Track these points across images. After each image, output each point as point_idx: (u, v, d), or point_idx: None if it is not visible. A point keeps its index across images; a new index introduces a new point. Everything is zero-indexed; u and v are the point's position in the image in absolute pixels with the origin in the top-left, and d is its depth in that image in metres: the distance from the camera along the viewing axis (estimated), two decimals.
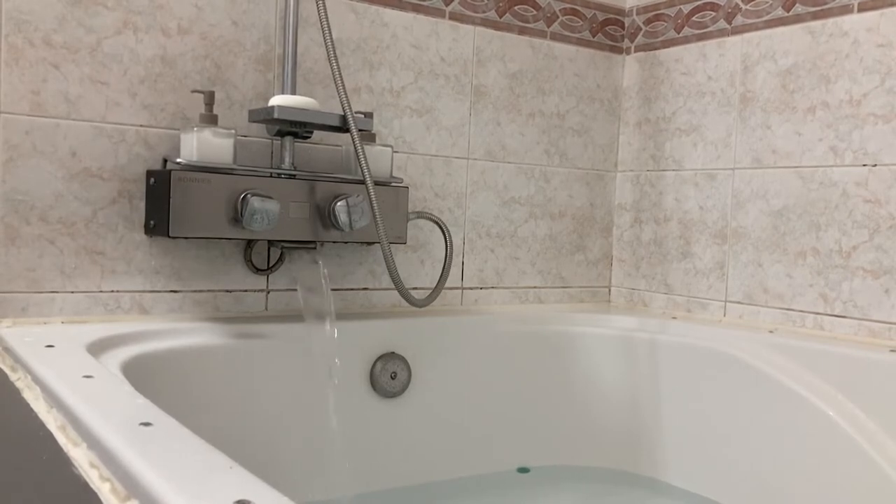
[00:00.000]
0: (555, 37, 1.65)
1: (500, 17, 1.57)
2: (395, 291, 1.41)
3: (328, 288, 1.34)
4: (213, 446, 0.62)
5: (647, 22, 1.71)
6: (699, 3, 1.61)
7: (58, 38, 1.15)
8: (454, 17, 1.52)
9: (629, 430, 1.51)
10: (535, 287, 1.66)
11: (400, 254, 1.47)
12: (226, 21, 1.28)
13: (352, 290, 1.43)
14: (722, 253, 1.55)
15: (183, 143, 1.18)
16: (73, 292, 1.18)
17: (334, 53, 1.21)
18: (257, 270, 1.32)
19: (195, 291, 1.27)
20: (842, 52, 1.37)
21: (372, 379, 1.35)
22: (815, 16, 1.41)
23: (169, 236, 1.14)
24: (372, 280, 1.45)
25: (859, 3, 1.35)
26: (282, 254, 1.33)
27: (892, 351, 1.22)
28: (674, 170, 1.65)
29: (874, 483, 1.14)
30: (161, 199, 1.16)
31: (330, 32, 1.21)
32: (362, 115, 1.26)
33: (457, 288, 1.55)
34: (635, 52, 1.73)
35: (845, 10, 1.37)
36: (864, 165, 1.34)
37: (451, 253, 1.42)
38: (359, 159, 1.22)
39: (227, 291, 1.30)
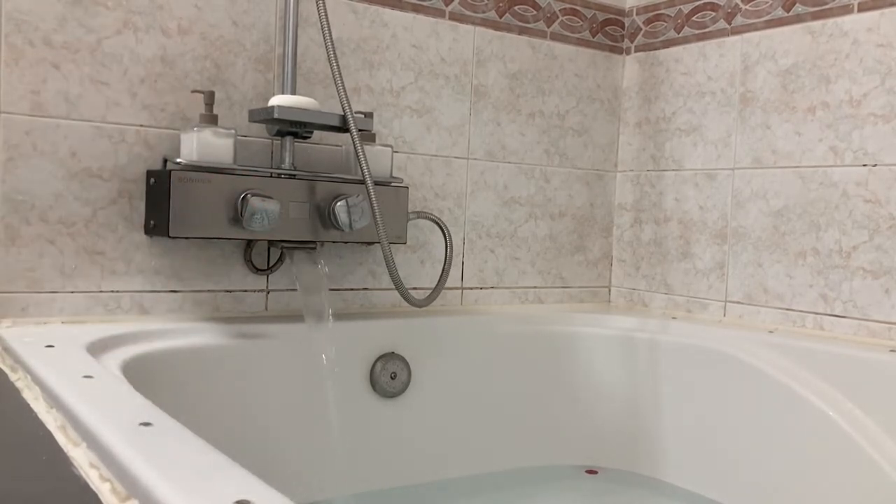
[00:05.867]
0: (555, 37, 1.65)
1: (500, 17, 1.57)
2: (395, 291, 1.41)
3: (327, 288, 1.34)
4: (213, 446, 0.62)
5: (647, 22, 1.71)
6: (699, 3, 1.61)
7: (58, 38, 1.15)
8: (454, 17, 1.52)
9: (629, 430, 1.51)
10: (535, 287, 1.66)
11: (400, 254, 1.47)
12: (226, 21, 1.28)
13: (352, 290, 1.43)
14: (722, 253, 1.55)
15: (183, 143, 1.18)
16: (73, 292, 1.18)
17: (334, 53, 1.21)
18: (257, 270, 1.32)
19: (195, 291, 1.27)
20: (842, 52, 1.37)
21: (372, 379, 1.35)
22: (815, 16, 1.41)
23: (169, 236, 1.14)
24: (372, 280, 1.45)
25: (859, 3, 1.35)
26: (282, 254, 1.33)
27: (892, 351, 1.22)
28: (674, 170, 1.65)
29: (874, 483, 1.14)
30: (161, 199, 1.16)
31: (330, 32, 1.21)
32: (362, 115, 1.26)
33: (457, 288, 1.55)
34: (635, 52, 1.73)
35: (845, 10, 1.37)
36: (864, 165, 1.34)
37: (451, 253, 1.42)
38: (359, 159, 1.22)
39: (227, 291, 1.30)
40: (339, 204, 1.25)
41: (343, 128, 1.24)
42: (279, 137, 1.28)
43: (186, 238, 1.17)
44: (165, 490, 0.53)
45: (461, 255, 1.56)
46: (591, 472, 1.48)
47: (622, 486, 1.47)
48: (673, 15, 1.66)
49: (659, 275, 1.67)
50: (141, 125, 1.22)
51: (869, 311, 1.33)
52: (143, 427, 0.66)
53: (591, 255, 1.74)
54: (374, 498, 1.35)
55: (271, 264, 1.34)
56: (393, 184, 1.35)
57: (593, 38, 1.71)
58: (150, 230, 1.20)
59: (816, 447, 1.22)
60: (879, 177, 1.32)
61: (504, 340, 1.49)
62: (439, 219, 1.42)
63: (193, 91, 1.24)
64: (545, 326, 1.54)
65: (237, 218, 1.17)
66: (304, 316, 1.26)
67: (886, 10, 1.32)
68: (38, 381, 0.84)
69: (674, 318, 1.56)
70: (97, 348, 1.02)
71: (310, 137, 1.29)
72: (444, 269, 1.41)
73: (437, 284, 1.39)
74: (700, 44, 1.60)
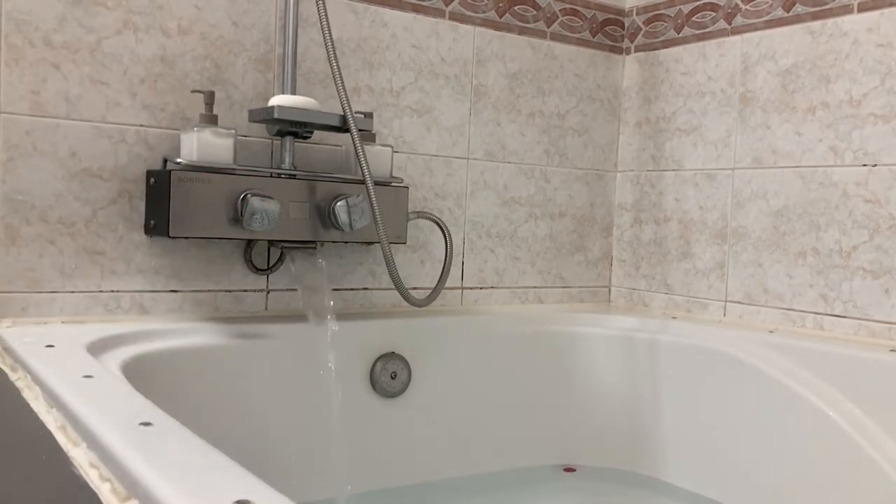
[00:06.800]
0: (555, 37, 1.65)
1: (500, 17, 1.57)
2: (395, 291, 1.41)
3: (328, 288, 1.34)
4: (213, 446, 0.62)
5: (647, 22, 1.71)
6: (699, 3, 1.61)
7: (58, 38, 1.15)
8: (454, 17, 1.52)
9: (629, 430, 1.51)
10: (535, 287, 1.66)
11: (400, 254, 1.47)
12: (226, 21, 1.28)
13: (352, 290, 1.43)
14: (722, 253, 1.55)
15: (183, 143, 1.18)
16: (73, 292, 1.18)
17: (334, 53, 1.21)
18: (257, 270, 1.32)
19: (195, 291, 1.27)
20: (842, 52, 1.37)
21: (372, 379, 1.35)
22: (815, 16, 1.41)
23: (169, 236, 1.14)
24: (372, 280, 1.45)
25: (859, 3, 1.35)
26: (282, 254, 1.33)
27: (892, 351, 1.22)
28: (674, 170, 1.65)
29: (874, 483, 1.14)
30: (161, 199, 1.16)
31: (330, 32, 1.21)
32: (362, 115, 1.26)
33: (457, 288, 1.55)
34: (635, 52, 1.73)
35: (845, 10, 1.37)
36: (864, 165, 1.34)
37: (451, 253, 1.42)
38: (359, 159, 1.22)
39: (227, 291, 1.30)
40: (339, 204, 1.25)
41: (343, 128, 1.24)
42: (279, 137, 1.28)
43: (186, 238, 1.17)
44: (165, 490, 0.53)
45: (461, 255, 1.56)
46: (568, 469, 1.49)
47: (622, 486, 1.47)
48: (673, 15, 1.66)
49: (659, 275, 1.67)
50: (141, 125, 1.22)
51: (869, 311, 1.33)
52: (143, 427, 0.66)
53: (591, 255, 1.74)
54: (374, 498, 1.35)
55: (271, 264, 1.34)
56: (393, 184, 1.34)
57: (593, 38, 1.71)
58: (150, 230, 1.20)
59: (816, 447, 1.22)
60: (879, 177, 1.32)
61: (504, 340, 1.49)
62: (439, 219, 1.42)
63: (193, 91, 1.24)
64: (545, 326, 1.54)
65: (237, 218, 1.17)
66: (306, 316, 1.26)
67: (886, 10, 1.32)
68: (38, 381, 0.84)
69: (674, 318, 1.56)
70: (97, 348, 1.02)
71: (310, 137, 1.29)
72: (444, 269, 1.41)
73: (437, 284, 1.39)
74: (700, 44, 1.60)
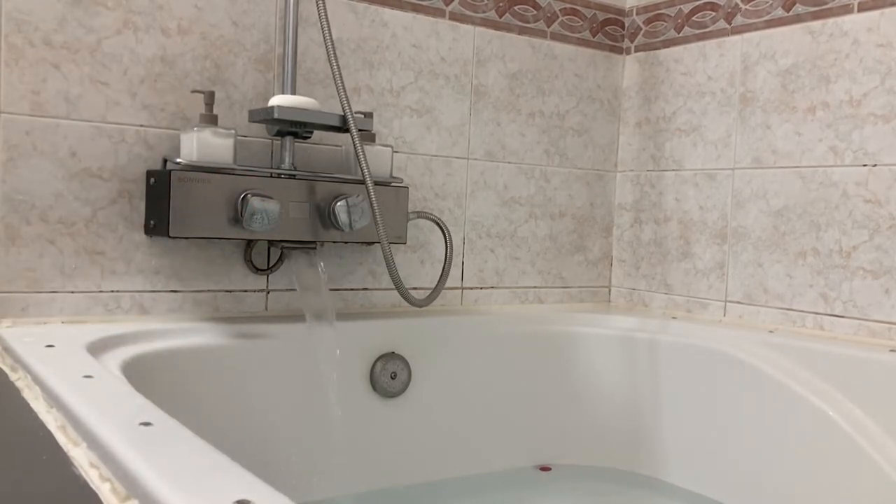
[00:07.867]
0: (555, 37, 1.65)
1: (500, 17, 1.57)
2: (395, 291, 1.41)
3: (327, 288, 1.34)
4: (213, 446, 0.62)
5: (647, 22, 1.71)
6: (699, 3, 1.61)
7: (58, 38, 1.15)
8: (454, 17, 1.52)
9: (629, 429, 1.51)
10: (535, 287, 1.66)
11: (400, 254, 1.47)
12: (226, 21, 1.28)
13: (352, 290, 1.43)
14: (722, 253, 1.55)
15: (183, 143, 1.18)
16: (73, 292, 1.18)
17: (334, 53, 1.21)
18: (257, 270, 1.32)
19: (195, 291, 1.27)
20: (842, 52, 1.37)
21: (372, 379, 1.35)
22: (815, 16, 1.41)
23: (169, 236, 1.14)
24: (372, 280, 1.45)
25: (859, 3, 1.35)
26: (282, 254, 1.33)
27: (892, 351, 1.22)
28: (674, 170, 1.65)
29: (874, 483, 1.14)
30: (161, 199, 1.16)
31: (330, 32, 1.21)
32: (362, 115, 1.26)
33: (457, 288, 1.55)
34: (635, 52, 1.73)
35: (845, 10, 1.37)
36: (864, 165, 1.34)
37: (451, 253, 1.42)
38: (359, 159, 1.22)
39: (227, 291, 1.30)
40: (339, 204, 1.25)
41: (343, 128, 1.24)
42: (279, 137, 1.28)
43: (186, 238, 1.17)
44: (165, 490, 0.53)
45: (461, 255, 1.56)
46: (543, 469, 1.50)
47: (622, 486, 1.47)
48: (673, 15, 1.66)
49: (659, 275, 1.67)
50: (141, 125, 1.22)
51: (869, 311, 1.33)
52: (143, 427, 0.66)
53: (591, 255, 1.74)
54: (374, 498, 1.35)
55: (271, 264, 1.34)
56: (393, 184, 1.34)
57: (593, 37, 1.71)
58: (150, 230, 1.20)
59: (816, 447, 1.22)
60: (879, 177, 1.32)
61: (504, 340, 1.49)
62: (439, 219, 1.42)
63: (193, 91, 1.24)
64: (545, 326, 1.54)
65: (237, 218, 1.17)
66: (306, 316, 1.26)
67: (886, 10, 1.32)
68: (38, 381, 0.84)
69: (674, 318, 1.56)
70: (97, 348, 1.02)
71: (310, 137, 1.29)
72: (444, 269, 1.41)
73: (437, 284, 1.39)
74: (700, 44, 1.60)
